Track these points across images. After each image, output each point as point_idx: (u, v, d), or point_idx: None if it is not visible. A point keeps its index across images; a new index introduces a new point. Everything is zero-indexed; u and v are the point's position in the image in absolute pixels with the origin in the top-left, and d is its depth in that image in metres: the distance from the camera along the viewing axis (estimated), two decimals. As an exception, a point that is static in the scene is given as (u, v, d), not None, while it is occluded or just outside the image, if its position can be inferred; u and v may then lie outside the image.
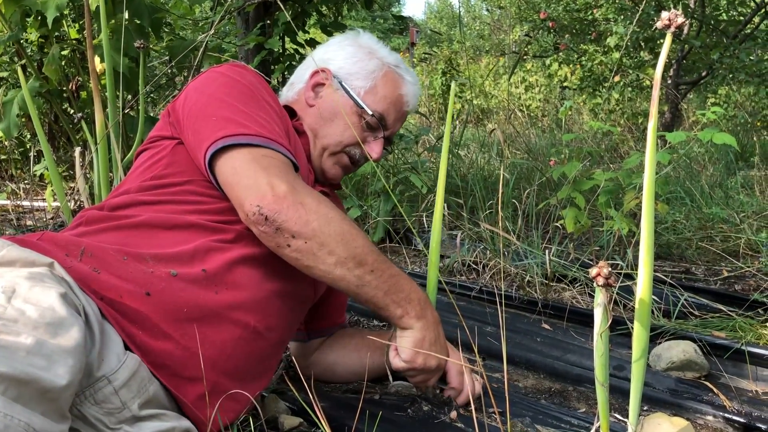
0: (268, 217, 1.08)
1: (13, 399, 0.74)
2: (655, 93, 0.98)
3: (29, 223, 3.32)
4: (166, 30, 3.60)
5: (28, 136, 4.18)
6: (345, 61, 1.45)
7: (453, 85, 1.29)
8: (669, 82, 5.78)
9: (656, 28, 0.93)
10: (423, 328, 1.24)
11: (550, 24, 6.20)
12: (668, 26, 0.94)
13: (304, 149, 1.40)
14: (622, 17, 5.68)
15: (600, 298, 0.98)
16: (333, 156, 1.42)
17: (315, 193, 1.15)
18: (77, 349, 0.83)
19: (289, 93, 1.50)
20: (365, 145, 1.42)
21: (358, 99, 1.41)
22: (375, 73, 1.43)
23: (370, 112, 1.40)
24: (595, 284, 0.96)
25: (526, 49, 7.96)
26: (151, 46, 3.37)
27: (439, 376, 1.34)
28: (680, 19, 0.93)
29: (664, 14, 0.94)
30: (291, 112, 1.43)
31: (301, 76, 1.49)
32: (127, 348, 0.97)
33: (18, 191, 3.97)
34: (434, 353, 1.26)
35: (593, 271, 0.94)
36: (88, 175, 2.82)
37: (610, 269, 0.94)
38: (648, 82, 6.14)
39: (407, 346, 1.24)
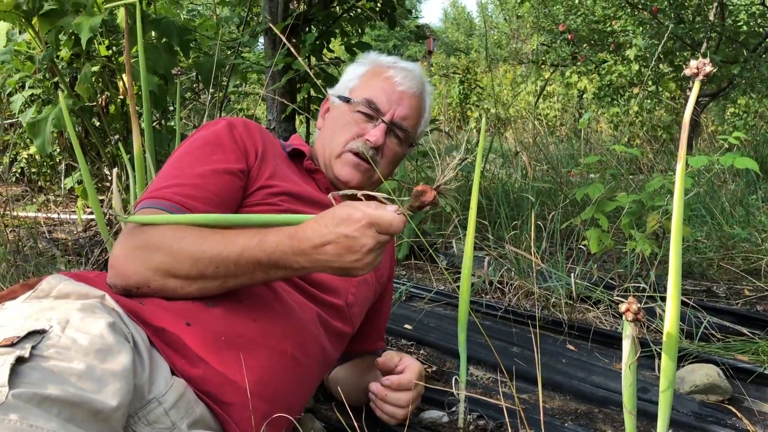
0: (111, 284, 1.10)
1: (67, 420, 0.81)
2: (684, 136, 1.02)
3: (61, 235, 3.40)
4: (192, 46, 3.68)
5: (58, 150, 4.28)
6: (342, 79, 1.56)
7: (483, 120, 1.33)
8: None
9: (685, 71, 0.97)
10: (321, 266, 1.06)
11: (569, 36, 6.23)
12: (696, 74, 0.98)
13: (321, 185, 1.47)
14: (641, 30, 5.70)
15: (629, 330, 1.02)
16: (339, 158, 1.45)
17: (144, 234, 1.11)
18: (125, 373, 0.90)
19: (315, 132, 1.62)
20: (366, 134, 1.44)
21: (345, 96, 1.48)
22: (362, 72, 1.52)
23: (355, 101, 1.45)
24: (624, 319, 1.00)
25: (543, 59, 7.99)
26: (179, 64, 3.45)
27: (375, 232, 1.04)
28: (708, 68, 0.98)
29: (693, 63, 0.98)
30: (300, 154, 1.49)
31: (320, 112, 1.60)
32: (173, 373, 1.04)
33: (49, 203, 4.07)
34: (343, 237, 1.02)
35: (623, 307, 0.99)
36: (121, 193, 2.89)
37: (639, 305, 0.99)
38: (667, 95, 6.15)
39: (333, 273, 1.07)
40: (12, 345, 0.84)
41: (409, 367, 1.37)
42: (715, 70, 0.92)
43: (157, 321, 1.07)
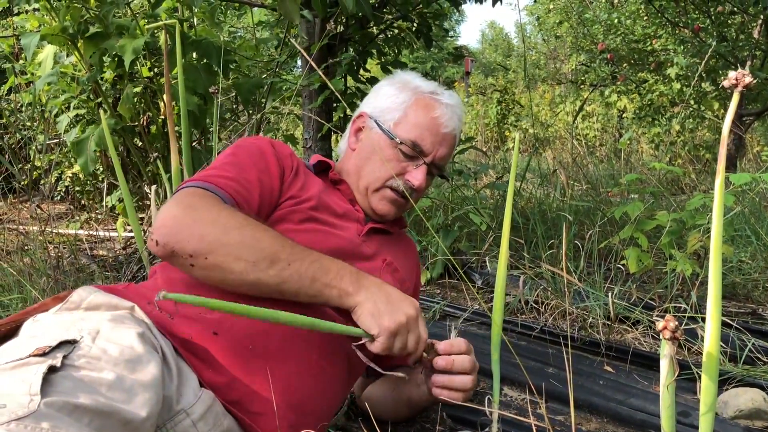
0: (159, 241, 1.08)
1: (97, 429, 0.81)
2: (722, 149, 0.99)
3: (102, 252, 3.46)
4: (232, 67, 3.75)
5: (101, 169, 4.38)
6: (379, 100, 1.51)
7: (517, 137, 1.31)
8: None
9: (723, 82, 0.94)
10: (368, 297, 1.14)
11: (608, 56, 6.18)
12: (735, 85, 0.95)
13: (346, 195, 1.48)
14: (682, 48, 5.62)
15: (666, 350, 0.99)
16: (377, 192, 1.46)
17: (216, 207, 1.13)
18: (154, 383, 0.91)
19: (342, 144, 1.60)
20: (407, 175, 1.45)
21: (389, 131, 1.45)
22: (405, 103, 1.47)
23: (399, 141, 1.43)
24: (661, 337, 0.97)
25: (583, 78, 7.93)
26: (218, 85, 3.51)
27: (418, 333, 1.18)
28: (747, 79, 0.95)
29: (731, 74, 0.95)
30: (326, 166, 1.51)
31: (348, 127, 1.58)
32: (202, 385, 1.04)
33: (91, 221, 4.16)
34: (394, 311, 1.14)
35: (660, 324, 0.96)
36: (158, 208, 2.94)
37: (677, 323, 0.96)
38: (710, 113, 6.03)
39: (367, 322, 1.12)
40: (44, 354, 0.85)
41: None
42: (755, 81, 0.90)
43: (185, 332, 1.08)
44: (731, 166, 5.68)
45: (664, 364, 0.99)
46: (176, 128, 2.41)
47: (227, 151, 1.34)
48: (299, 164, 1.41)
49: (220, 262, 1.07)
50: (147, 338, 0.97)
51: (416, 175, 1.44)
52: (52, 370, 0.82)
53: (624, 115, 8.41)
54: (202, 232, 1.08)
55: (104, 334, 0.94)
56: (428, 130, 1.45)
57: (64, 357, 0.85)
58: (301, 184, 1.36)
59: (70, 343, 0.89)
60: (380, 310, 1.12)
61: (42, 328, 0.96)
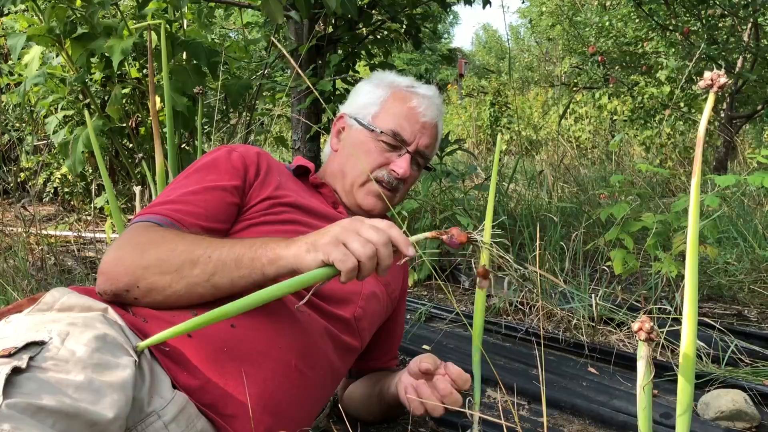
0: (100, 291, 1.10)
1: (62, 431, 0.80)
2: (699, 150, 0.99)
3: (90, 254, 3.44)
4: (222, 69, 3.74)
5: (90, 170, 4.36)
6: (357, 99, 1.55)
7: (499, 138, 1.31)
8: (722, 115, 5.69)
9: (699, 83, 0.94)
10: (301, 242, 1.04)
11: (599, 58, 6.19)
12: (711, 86, 0.95)
13: (328, 199, 1.48)
14: (673, 51, 5.63)
15: (643, 351, 0.99)
16: (362, 187, 1.47)
17: (141, 236, 1.13)
18: (124, 385, 0.90)
19: (326, 148, 1.62)
20: (391, 165, 1.46)
21: (369, 125, 1.47)
22: (382, 98, 1.51)
23: (380, 131, 1.45)
24: (637, 338, 0.97)
25: (575, 80, 7.94)
26: (208, 86, 3.50)
27: (368, 225, 1.04)
28: (723, 80, 0.94)
29: (707, 74, 0.95)
30: (305, 171, 1.51)
31: (331, 131, 1.59)
32: (175, 387, 1.03)
33: (79, 223, 4.14)
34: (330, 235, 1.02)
35: (635, 326, 0.96)
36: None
37: (652, 324, 0.96)
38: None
39: (311, 258, 1.01)
40: (9, 356, 0.84)
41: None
42: (730, 82, 0.90)
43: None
44: (722, 169, 5.69)
45: (641, 366, 0.98)
46: (164, 129, 2.40)
47: (182, 173, 1.35)
48: (270, 164, 1.39)
49: (150, 284, 1.08)
50: (118, 340, 0.96)
51: (400, 164, 1.45)
52: (16, 371, 0.81)
53: (615, 117, 8.43)
54: (125, 264, 1.09)
55: (74, 335, 0.93)
56: (406, 120, 1.47)
57: (31, 358, 0.84)
58: (276, 184, 1.35)
59: (37, 345, 0.88)
60: (313, 240, 1.03)
61: (12, 330, 0.95)
